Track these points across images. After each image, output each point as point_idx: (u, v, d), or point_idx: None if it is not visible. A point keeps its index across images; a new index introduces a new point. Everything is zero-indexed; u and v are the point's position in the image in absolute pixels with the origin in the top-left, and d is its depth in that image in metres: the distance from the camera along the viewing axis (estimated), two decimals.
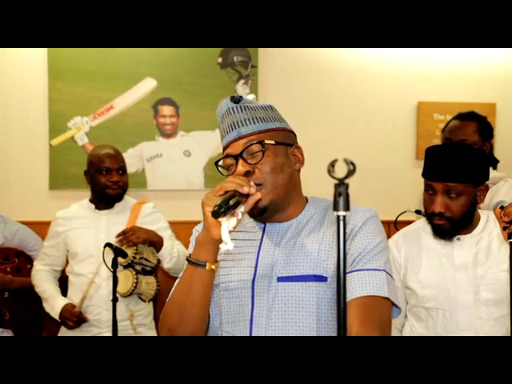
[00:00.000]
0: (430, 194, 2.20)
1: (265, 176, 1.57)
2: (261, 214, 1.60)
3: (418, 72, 4.19)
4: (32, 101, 3.90)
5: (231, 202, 1.43)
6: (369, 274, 1.53)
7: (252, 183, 1.51)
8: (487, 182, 3.00)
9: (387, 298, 1.53)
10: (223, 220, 1.45)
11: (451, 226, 2.19)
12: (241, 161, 1.57)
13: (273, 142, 1.59)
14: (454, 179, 2.14)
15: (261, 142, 1.57)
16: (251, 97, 1.67)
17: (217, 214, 1.40)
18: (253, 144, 1.57)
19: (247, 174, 1.56)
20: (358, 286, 1.52)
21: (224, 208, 1.40)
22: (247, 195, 1.48)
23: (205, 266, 1.52)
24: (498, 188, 2.93)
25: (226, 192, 1.46)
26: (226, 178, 1.61)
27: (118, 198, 3.14)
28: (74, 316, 3.02)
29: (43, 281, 3.17)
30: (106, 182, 3.08)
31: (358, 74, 4.16)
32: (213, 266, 1.52)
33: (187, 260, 1.55)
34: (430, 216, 2.22)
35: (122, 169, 3.12)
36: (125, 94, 3.94)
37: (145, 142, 3.98)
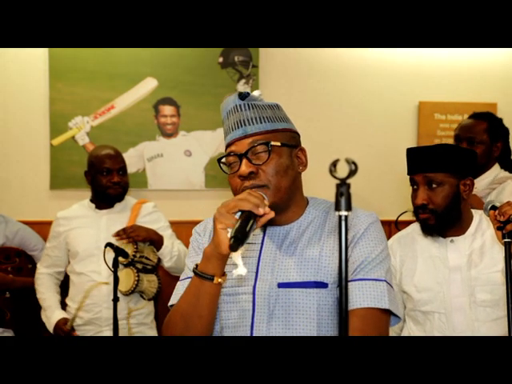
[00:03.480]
0: (414, 190, 2.24)
1: (269, 178, 1.54)
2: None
3: (418, 72, 4.18)
4: (33, 100, 3.89)
5: (247, 228, 1.36)
6: (370, 284, 1.52)
7: (266, 200, 1.47)
8: (494, 182, 2.99)
9: (387, 310, 1.52)
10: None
11: (436, 220, 2.19)
12: (245, 160, 1.55)
13: (279, 144, 1.57)
14: (433, 169, 2.18)
15: (267, 143, 1.55)
16: (257, 93, 1.63)
17: (234, 248, 1.34)
18: (258, 144, 1.55)
19: (251, 174, 1.54)
20: (359, 297, 1.51)
21: (241, 237, 1.34)
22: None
23: (212, 279, 1.48)
24: (504, 187, 2.92)
25: (241, 211, 1.41)
26: (228, 177, 1.60)
27: (120, 198, 3.16)
28: (64, 334, 3.05)
29: (45, 288, 3.19)
30: (107, 182, 3.10)
31: (359, 73, 4.16)
32: (220, 280, 1.48)
33: (194, 272, 1.52)
34: (416, 212, 2.24)
35: (122, 169, 3.14)
36: (125, 94, 3.94)
37: (145, 142, 3.98)
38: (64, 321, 3.08)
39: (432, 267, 2.23)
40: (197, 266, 1.52)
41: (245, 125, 1.57)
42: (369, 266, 1.54)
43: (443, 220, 2.19)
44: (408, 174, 2.27)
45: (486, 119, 3.08)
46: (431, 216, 2.19)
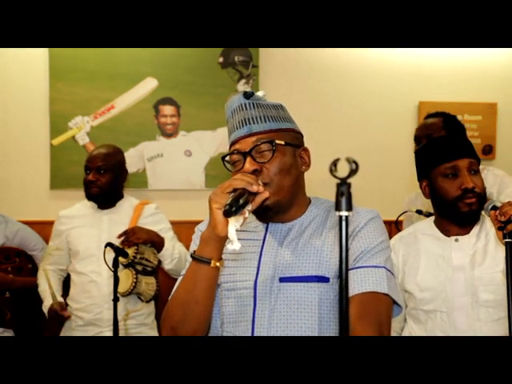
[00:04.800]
0: (450, 178, 2.16)
1: (272, 176, 1.56)
2: (264, 213, 1.59)
3: (418, 72, 4.18)
4: (33, 100, 3.90)
5: (241, 201, 1.41)
6: (368, 271, 1.53)
7: (260, 182, 1.50)
8: None
9: (387, 295, 1.52)
10: (231, 219, 1.44)
11: (478, 205, 2.14)
12: (249, 158, 1.56)
13: (282, 143, 1.58)
14: (473, 155, 2.18)
15: (271, 142, 1.56)
16: (261, 93, 1.65)
17: (229, 214, 1.39)
18: (263, 142, 1.56)
19: (254, 172, 1.55)
20: (357, 283, 1.51)
21: (235, 207, 1.39)
22: (255, 193, 1.47)
23: (209, 263, 1.49)
24: (486, 176, 2.94)
25: (235, 189, 1.45)
26: (232, 174, 1.60)
27: (99, 197, 3.14)
28: (53, 313, 3.05)
29: (44, 280, 3.18)
30: (85, 181, 3.11)
31: (359, 73, 4.16)
32: (217, 264, 1.50)
33: (191, 256, 1.54)
34: (457, 200, 2.15)
35: (102, 168, 3.10)
36: (126, 94, 3.94)
37: (146, 142, 3.98)
38: (54, 304, 3.07)
39: (435, 266, 2.22)
40: (195, 252, 1.53)
41: (250, 123, 1.59)
42: (367, 255, 1.55)
43: (482, 206, 2.16)
44: (445, 161, 2.16)
45: (440, 116, 3.16)
46: (476, 201, 2.14)
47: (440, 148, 2.20)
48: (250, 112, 1.60)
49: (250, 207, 1.47)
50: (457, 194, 2.15)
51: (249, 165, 1.55)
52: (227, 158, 1.62)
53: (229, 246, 1.46)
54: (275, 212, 1.59)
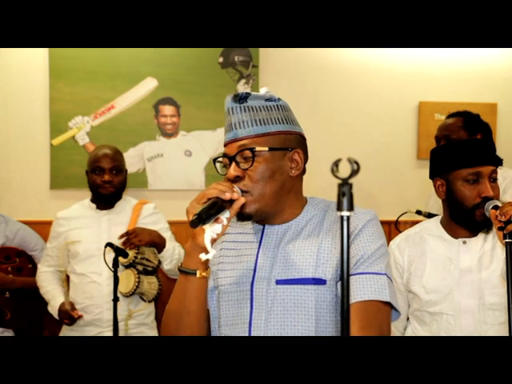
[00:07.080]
0: (470, 184, 2.13)
1: (252, 184, 1.54)
2: (247, 220, 1.59)
3: (418, 72, 4.18)
4: (33, 100, 3.89)
5: (212, 211, 1.42)
6: (370, 278, 1.52)
7: (236, 188, 1.50)
8: None
9: (387, 302, 1.52)
10: (206, 228, 1.45)
11: None
12: (233, 164, 1.56)
13: (266, 149, 1.55)
14: (496, 162, 2.16)
15: (251, 149, 1.55)
16: (264, 90, 1.63)
17: (194, 224, 1.40)
18: (244, 149, 1.55)
19: (236, 178, 1.55)
20: (360, 290, 1.50)
21: (203, 217, 1.39)
22: (231, 201, 1.48)
23: (195, 274, 1.52)
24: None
25: (209, 199, 1.46)
26: (224, 176, 1.61)
27: (112, 197, 3.15)
28: (65, 314, 3.04)
29: (47, 282, 3.19)
30: (99, 181, 3.10)
31: (359, 73, 4.16)
32: (204, 274, 1.52)
33: (178, 269, 1.56)
34: (475, 208, 2.12)
35: (115, 168, 3.12)
36: (126, 94, 3.94)
37: (146, 142, 3.98)
38: (64, 304, 3.07)
39: (441, 268, 2.19)
40: (182, 264, 1.56)
41: (236, 128, 1.58)
42: (368, 261, 1.54)
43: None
44: (470, 165, 2.13)
45: (460, 116, 3.12)
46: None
47: (465, 151, 2.15)
48: (236, 116, 1.58)
49: (227, 214, 1.48)
50: (476, 202, 2.12)
51: (232, 171, 1.56)
52: (220, 159, 1.63)
53: (202, 256, 1.46)
54: (261, 218, 1.59)
